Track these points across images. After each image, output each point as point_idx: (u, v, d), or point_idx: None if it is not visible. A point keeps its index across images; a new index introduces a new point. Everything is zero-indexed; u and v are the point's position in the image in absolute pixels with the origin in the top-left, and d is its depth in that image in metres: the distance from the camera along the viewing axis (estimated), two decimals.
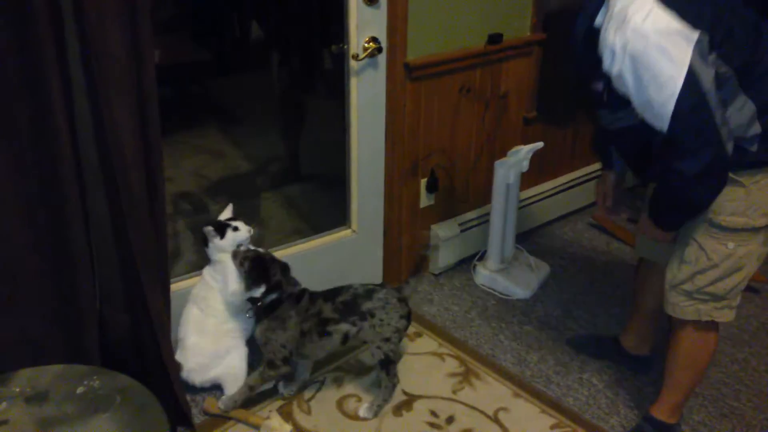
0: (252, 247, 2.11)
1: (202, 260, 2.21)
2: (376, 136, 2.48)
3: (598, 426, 2.12)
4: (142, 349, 1.92)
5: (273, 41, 3.30)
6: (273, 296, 2.01)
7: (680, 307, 1.85)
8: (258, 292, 1.99)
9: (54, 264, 1.72)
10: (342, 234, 2.60)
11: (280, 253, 2.41)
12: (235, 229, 2.12)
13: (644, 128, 1.63)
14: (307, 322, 2.02)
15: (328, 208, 2.85)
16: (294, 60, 3.28)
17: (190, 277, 2.28)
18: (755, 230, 1.73)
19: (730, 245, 1.74)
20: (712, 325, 1.88)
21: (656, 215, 1.80)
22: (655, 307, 2.11)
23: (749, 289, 2.92)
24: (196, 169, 3.39)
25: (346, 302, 2.04)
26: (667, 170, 1.63)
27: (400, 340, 2.12)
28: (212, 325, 2.11)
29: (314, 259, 2.50)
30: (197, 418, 2.04)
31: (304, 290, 2.09)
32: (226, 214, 2.20)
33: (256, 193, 3.31)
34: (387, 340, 2.04)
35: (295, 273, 2.26)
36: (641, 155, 1.84)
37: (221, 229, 2.11)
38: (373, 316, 2.02)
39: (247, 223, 2.16)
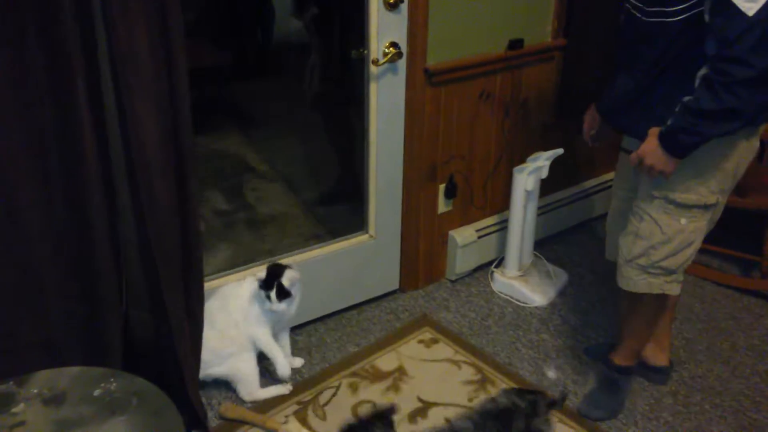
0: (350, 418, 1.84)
1: (234, 258, 2.21)
2: (395, 140, 2.48)
3: None
4: (162, 350, 1.93)
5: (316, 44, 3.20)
6: None
7: (633, 281, 1.99)
8: None
9: (78, 265, 1.73)
10: (360, 239, 2.60)
11: (298, 258, 2.42)
12: (281, 298, 2.08)
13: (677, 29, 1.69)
14: None
15: (348, 214, 2.85)
16: (331, 66, 3.19)
17: (219, 277, 2.31)
18: (706, 207, 1.87)
19: (683, 221, 1.88)
20: (662, 297, 2.01)
21: (674, 136, 1.74)
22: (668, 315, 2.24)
23: (766, 298, 2.88)
24: (216, 172, 3.42)
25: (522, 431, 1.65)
26: (716, 72, 1.61)
27: None
28: (222, 324, 2.11)
29: (331, 264, 2.50)
30: (213, 422, 2.05)
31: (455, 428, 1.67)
32: (286, 279, 2.09)
33: (275, 195, 3.33)
34: None
35: (313, 278, 2.28)
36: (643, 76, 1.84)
37: (271, 287, 2.06)
38: None
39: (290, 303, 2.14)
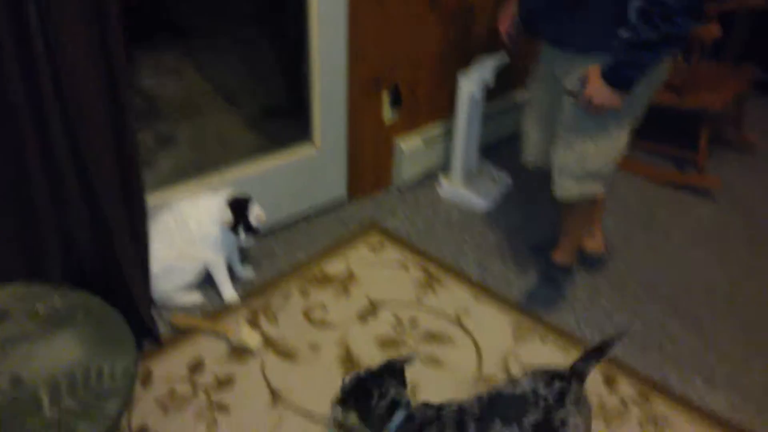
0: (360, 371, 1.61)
1: (177, 174, 2.18)
2: (337, 48, 2.43)
3: (556, 324, 2.21)
4: (107, 267, 1.93)
5: None
6: (397, 422, 1.48)
7: (568, 190, 2.09)
8: (394, 425, 1.48)
9: (12, 184, 1.69)
10: (305, 150, 2.59)
11: (244, 172, 2.41)
12: (247, 233, 2.15)
13: None
14: None
15: (292, 126, 2.82)
16: None
17: (164, 191, 2.28)
18: (636, 119, 1.99)
19: (615, 133, 1.97)
20: (595, 199, 2.16)
21: (619, 72, 1.79)
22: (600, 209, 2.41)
23: (703, 193, 3.00)
24: (151, 88, 3.31)
25: (539, 424, 1.46)
26: (652, 4, 1.66)
27: None
28: (180, 243, 2.13)
29: (278, 176, 2.50)
30: (164, 331, 2.08)
31: (461, 412, 1.49)
32: (253, 212, 2.14)
33: (213, 111, 3.26)
34: None
35: (260, 191, 2.28)
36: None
37: (242, 224, 2.12)
38: (565, 424, 1.48)
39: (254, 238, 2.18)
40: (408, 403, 1.50)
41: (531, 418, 1.45)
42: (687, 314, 2.29)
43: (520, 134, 2.33)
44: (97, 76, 1.67)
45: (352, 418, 1.55)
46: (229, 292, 2.22)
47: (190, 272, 2.18)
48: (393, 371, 1.55)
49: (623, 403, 1.92)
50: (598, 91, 1.82)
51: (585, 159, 2.01)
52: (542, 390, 1.48)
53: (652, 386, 1.99)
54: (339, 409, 1.58)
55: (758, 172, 3.24)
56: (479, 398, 1.51)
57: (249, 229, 2.13)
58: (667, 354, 2.12)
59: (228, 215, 2.10)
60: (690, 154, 3.13)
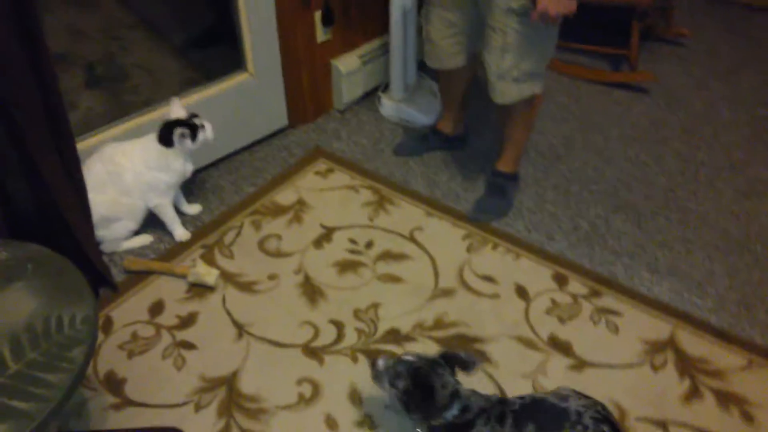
0: (410, 357, 1.51)
1: (106, 114, 2.09)
2: None
3: (506, 231, 2.27)
4: (49, 219, 1.87)
5: None
6: (454, 413, 1.46)
7: (507, 93, 2.10)
8: (450, 414, 1.45)
9: None
10: (239, 78, 2.51)
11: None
12: (202, 126, 2.11)
13: None
14: None
15: (223, 56, 2.72)
16: None
17: (95, 134, 2.20)
18: (559, 14, 1.85)
19: (552, 31, 2.00)
20: (532, 99, 2.16)
21: None
22: (461, 95, 2.49)
23: (638, 89, 3.07)
24: (69, 23, 3.12)
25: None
26: None
27: None
28: (114, 193, 2.06)
29: (214, 108, 2.42)
30: (119, 277, 2.05)
31: (503, 404, 1.48)
32: (178, 111, 2.11)
33: (142, 44, 3.10)
34: None
35: None
36: None
37: (194, 131, 2.08)
38: None
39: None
40: (463, 395, 1.48)
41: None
42: (629, 210, 2.39)
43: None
44: (8, 20, 1.56)
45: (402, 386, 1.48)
46: (179, 231, 2.20)
47: (129, 221, 2.13)
48: (448, 362, 1.51)
49: (574, 299, 2.02)
50: (555, 1, 1.80)
51: (523, 61, 2.02)
52: (587, 419, 1.40)
53: (600, 281, 2.08)
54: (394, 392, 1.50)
55: (691, 64, 3.32)
56: (522, 397, 1.50)
57: (192, 128, 2.08)
58: (612, 249, 2.21)
59: (153, 141, 2.07)
60: (623, 52, 3.17)
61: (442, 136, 2.62)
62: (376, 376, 1.53)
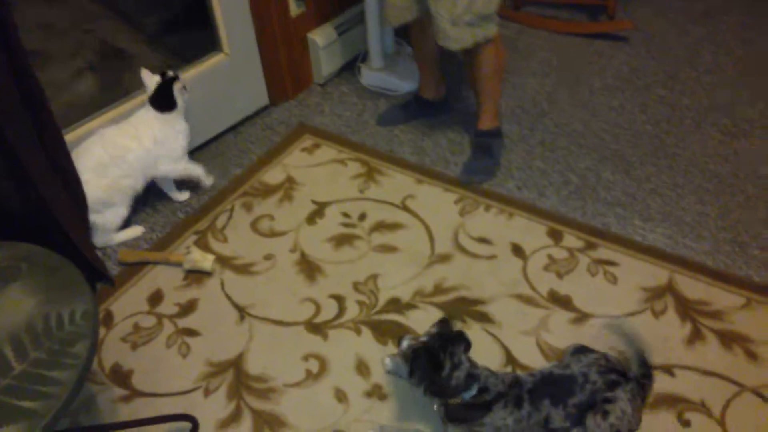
0: (424, 338, 1.53)
1: (91, 105, 2.06)
2: None
3: (497, 192, 2.27)
4: (37, 213, 1.84)
5: None
6: (472, 393, 1.49)
7: (462, 38, 2.10)
8: (468, 395, 1.48)
9: None
10: (216, 60, 2.46)
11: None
12: (177, 77, 2.16)
13: None
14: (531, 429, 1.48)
15: (198, 38, 2.67)
16: None
17: (86, 122, 2.18)
18: None
19: None
20: (491, 42, 2.16)
21: None
22: (435, 57, 2.47)
23: (618, 38, 3.05)
24: (36, 17, 3.05)
25: (581, 404, 1.45)
26: None
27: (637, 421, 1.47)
28: (115, 175, 2.05)
29: (192, 92, 2.36)
30: (114, 270, 2.04)
31: (518, 386, 1.50)
32: (151, 78, 2.13)
33: (113, 31, 3.04)
34: None
35: None
36: None
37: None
38: (610, 402, 1.44)
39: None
40: (481, 376, 1.49)
41: (575, 399, 1.45)
42: (617, 160, 2.39)
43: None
44: None
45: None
46: (205, 176, 2.30)
47: (123, 207, 2.12)
48: (456, 337, 1.53)
49: (571, 253, 2.03)
50: None
51: (474, 4, 2.03)
52: (593, 375, 1.45)
53: (595, 233, 2.09)
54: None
55: (668, 9, 3.30)
56: (532, 374, 1.53)
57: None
58: (604, 201, 2.22)
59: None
60: (600, 2, 3.15)
61: (424, 101, 2.61)
62: (401, 354, 1.55)
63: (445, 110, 2.64)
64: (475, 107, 2.43)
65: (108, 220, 2.09)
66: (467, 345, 1.53)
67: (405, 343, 1.54)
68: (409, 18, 2.24)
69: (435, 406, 1.56)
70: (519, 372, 1.68)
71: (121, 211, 2.12)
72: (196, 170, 2.27)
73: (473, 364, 1.51)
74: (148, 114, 2.11)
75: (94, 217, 2.04)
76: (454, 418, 1.52)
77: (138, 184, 2.12)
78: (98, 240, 2.11)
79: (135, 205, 2.18)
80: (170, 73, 2.13)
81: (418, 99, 2.62)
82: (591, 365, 1.48)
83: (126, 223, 2.17)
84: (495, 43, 2.19)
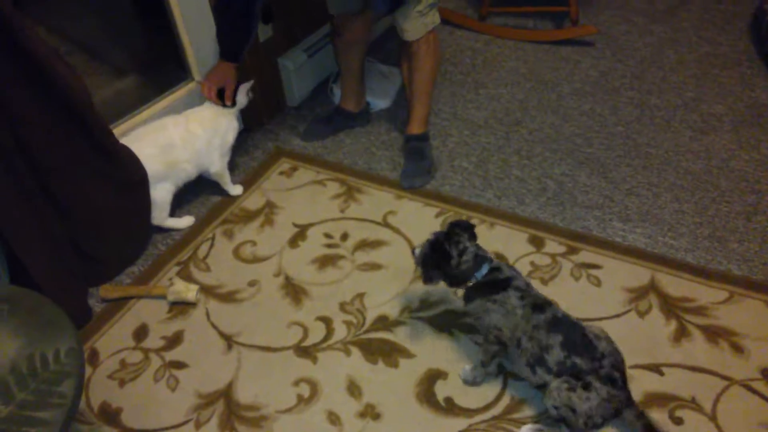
0: (430, 236, 1.70)
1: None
2: None
3: (477, 202, 2.28)
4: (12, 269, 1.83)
5: None
6: (483, 272, 1.63)
7: (416, 30, 2.23)
8: (480, 274, 1.62)
9: None
10: (188, 88, 2.46)
11: (131, 124, 2.28)
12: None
13: None
14: (528, 341, 1.56)
15: (169, 69, 2.66)
16: None
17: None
18: None
19: None
20: (433, 32, 2.28)
21: None
22: (359, 70, 2.60)
23: (584, 43, 3.10)
24: None
25: (576, 367, 1.51)
26: None
27: (591, 425, 1.51)
28: (180, 158, 2.18)
29: None
30: (96, 308, 2.01)
31: (549, 306, 1.60)
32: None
33: (83, 69, 3.02)
34: (574, 408, 1.49)
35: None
36: None
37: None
38: (587, 389, 1.48)
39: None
40: (489, 257, 1.65)
41: (580, 361, 1.50)
42: (592, 163, 2.42)
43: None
44: None
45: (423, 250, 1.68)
46: (236, 189, 2.41)
47: (172, 185, 2.21)
48: (464, 229, 1.66)
49: (553, 259, 2.04)
50: None
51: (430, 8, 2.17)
52: (606, 362, 1.50)
53: (576, 238, 2.11)
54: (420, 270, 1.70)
55: (630, 12, 3.36)
56: (565, 315, 1.60)
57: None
58: (582, 204, 2.24)
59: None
60: (563, 9, 3.20)
61: (347, 113, 2.68)
62: (416, 261, 1.70)
63: (367, 121, 2.73)
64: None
65: (158, 195, 2.17)
66: (471, 233, 1.66)
67: (417, 251, 1.69)
68: (351, 8, 2.33)
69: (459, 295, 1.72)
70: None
71: (170, 188, 2.20)
72: (228, 176, 2.37)
73: (480, 248, 1.65)
74: (210, 107, 2.28)
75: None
76: (472, 297, 1.65)
77: (193, 172, 2.26)
78: (154, 218, 2.21)
79: None
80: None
81: (340, 111, 2.69)
82: (611, 355, 1.52)
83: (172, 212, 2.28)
84: (435, 35, 2.30)
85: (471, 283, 1.65)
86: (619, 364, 1.52)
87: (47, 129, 1.76)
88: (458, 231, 1.64)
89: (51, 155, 1.80)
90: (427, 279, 1.67)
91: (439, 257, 1.63)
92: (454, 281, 1.67)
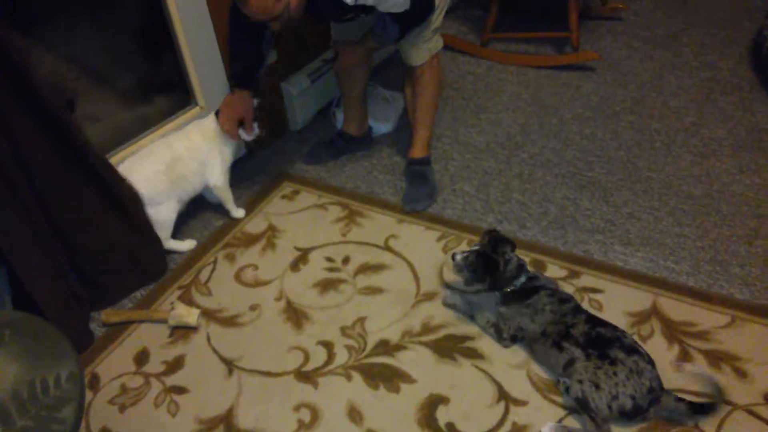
0: (476, 246, 1.89)
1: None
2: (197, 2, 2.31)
3: (478, 226, 2.28)
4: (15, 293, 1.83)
5: None
6: (522, 280, 1.82)
7: (420, 55, 2.28)
8: (519, 282, 1.82)
9: None
10: (191, 113, 2.49)
11: (135, 147, 2.30)
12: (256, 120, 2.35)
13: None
14: (554, 326, 1.73)
15: (174, 94, 2.69)
16: None
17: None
18: None
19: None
20: (436, 56, 2.33)
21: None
22: (361, 94, 2.63)
23: (585, 68, 3.13)
24: None
25: (601, 336, 1.66)
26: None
27: (617, 408, 1.57)
28: (187, 170, 2.22)
29: None
30: (98, 332, 2.01)
31: (575, 305, 1.78)
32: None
33: (86, 92, 3.05)
34: (600, 389, 1.58)
35: None
36: None
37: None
38: (613, 364, 1.59)
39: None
40: (527, 266, 1.87)
41: (604, 331, 1.69)
42: (593, 187, 2.42)
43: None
44: None
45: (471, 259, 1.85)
46: (238, 211, 2.42)
47: (176, 202, 2.23)
48: (502, 239, 1.87)
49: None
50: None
51: (431, 24, 2.22)
52: (627, 338, 1.68)
53: (577, 262, 2.11)
54: (467, 276, 1.88)
55: (631, 37, 3.39)
56: (597, 318, 1.76)
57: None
58: (584, 228, 2.24)
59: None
60: (564, 35, 3.23)
61: (349, 137, 2.69)
62: (456, 267, 1.88)
63: (369, 145, 2.75)
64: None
65: (163, 215, 2.19)
66: (512, 245, 1.87)
67: (458, 257, 1.86)
68: (352, 37, 2.37)
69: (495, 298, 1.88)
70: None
71: (175, 208, 2.23)
72: (230, 196, 2.39)
73: (520, 259, 1.85)
74: (208, 123, 2.28)
75: (150, 212, 2.16)
76: (509, 301, 1.83)
77: (198, 185, 2.28)
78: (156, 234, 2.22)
79: None
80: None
81: (343, 135, 2.71)
82: (639, 352, 1.62)
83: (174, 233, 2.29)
84: (438, 59, 2.35)
85: (509, 289, 1.82)
86: (647, 361, 1.61)
87: (46, 157, 1.78)
88: (503, 242, 1.85)
89: (51, 183, 1.82)
90: (470, 283, 1.90)
91: (488, 266, 1.82)
92: (495, 286, 1.84)
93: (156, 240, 2.19)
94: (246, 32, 2.18)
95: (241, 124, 2.28)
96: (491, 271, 1.81)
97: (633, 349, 1.61)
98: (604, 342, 1.64)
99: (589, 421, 1.59)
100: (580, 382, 1.60)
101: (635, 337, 1.84)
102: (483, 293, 1.95)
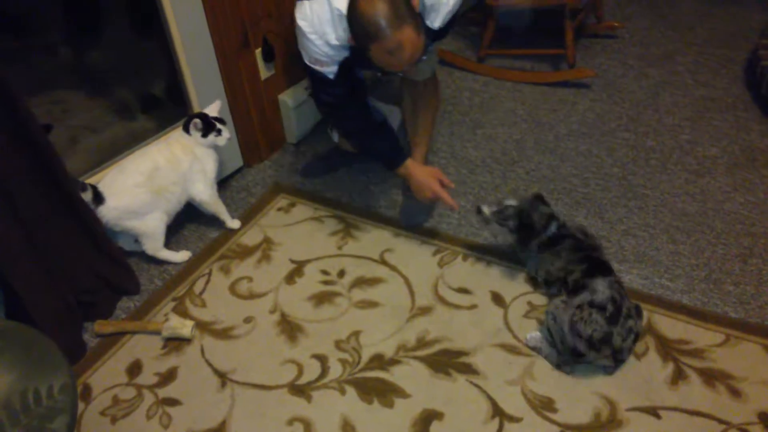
0: (512, 201, 2.09)
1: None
2: (194, 9, 2.32)
3: (474, 241, 2.29)
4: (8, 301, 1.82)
5: None
6: (553, 230, 2.03)
7: (423, 71, 2.33)
8: (549, 231, 2.02)
9: None
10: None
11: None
12: (219, 132, 2.29)
13: None
14: (561, 272, 1.94)
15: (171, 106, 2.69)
16: None
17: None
18: None
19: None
20: (434, 71, 2.39)
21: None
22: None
23: (580, 85, 3.15)
24: None
25: (585, 287, 1.84)
26: None
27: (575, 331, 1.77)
28: (167, 180, 2.19)
29: None
30: (90, 342, 2.00)
31: (608, 265, 1.94)
32: (212, 111, 2.32)
33: (82, 105, 3.06)
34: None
35: None
36: None
37: (207, 128, 2.26)
38: (614, 324, 1.75)
39: (228, 128, 2.34)
40: (560, 218, 2.07)
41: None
42: (588, 203, 2.43)
43: None
44: None
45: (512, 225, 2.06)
46: (234, 222, 2.42)
47: (164, 213, 2.22)
48: (541, 199, 2.08)
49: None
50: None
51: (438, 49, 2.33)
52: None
53: None
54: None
55: (626, 55, 3.42)
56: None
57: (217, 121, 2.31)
58: None
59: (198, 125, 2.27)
60: (560, 51, 3.25)
61: (344, 151, 2.68)
62: (484, 220, 2.09)
63: (363, 159, 2.73)
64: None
65: (150, 226, 2.19)
66: (543, 200, 2.08)
67: (486, 210, 2.08)
68: None
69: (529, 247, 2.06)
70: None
71: (163, 217, 2.22)
72: (222, 207, 2.39)
73: (553, 211, 2.06)
74: (185, 138, 2.27)
75: (136, 224, 2.16)
76: (543, 250, 2.02)
77: (182, 197, 2.27)
78: (148, 249, 2.23)
79: None
80: (217, 123, 2.30)
81: (339, 149, 2.70)
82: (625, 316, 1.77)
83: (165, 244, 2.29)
84: (437, 75, 2.42)
85: (539, 240, 2.02)
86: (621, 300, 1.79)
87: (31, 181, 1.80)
88: (537, 200, 2.06)
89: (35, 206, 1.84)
90: (500, 233, 2.13)
91: (527, 222, 2.01)
92: (527, 240, 2.04)
93: (123, 261, 2.17)
94: (356, 107, 2.30)
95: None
96: (529, 230, 2.02)
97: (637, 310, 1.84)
98: (578, 288, 1.84)
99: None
100: (547, 313, 1.86)
101: (630, 356, 1.84)
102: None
